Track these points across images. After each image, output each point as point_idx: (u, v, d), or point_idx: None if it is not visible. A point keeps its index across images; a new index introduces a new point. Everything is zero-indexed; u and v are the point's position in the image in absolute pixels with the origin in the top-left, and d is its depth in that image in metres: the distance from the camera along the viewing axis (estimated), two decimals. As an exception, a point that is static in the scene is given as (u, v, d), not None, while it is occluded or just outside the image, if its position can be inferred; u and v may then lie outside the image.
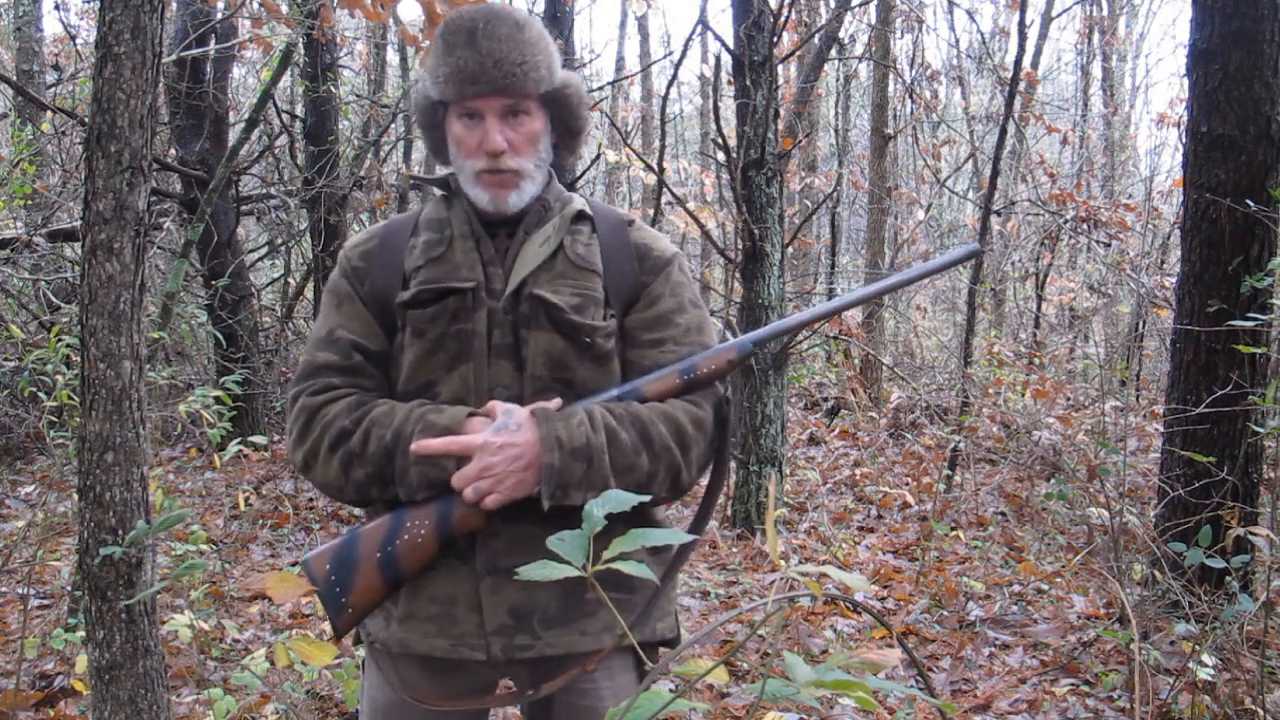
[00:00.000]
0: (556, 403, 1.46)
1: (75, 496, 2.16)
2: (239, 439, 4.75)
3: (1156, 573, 3.46)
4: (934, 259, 1.66)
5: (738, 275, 5.45)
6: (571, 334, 1.48)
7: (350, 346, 1.53)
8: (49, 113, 6.64)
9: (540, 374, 1.48)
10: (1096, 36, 13.07)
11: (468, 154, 1.51)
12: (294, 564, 4.50)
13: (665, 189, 6.16)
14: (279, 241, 8.77)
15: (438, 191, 1.62)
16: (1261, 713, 2.63)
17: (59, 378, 3.59)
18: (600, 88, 9.43)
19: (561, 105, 1.56)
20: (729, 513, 5.30)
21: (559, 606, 1.47)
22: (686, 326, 1.55)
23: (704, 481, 1.59)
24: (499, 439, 1.40)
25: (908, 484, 6.17)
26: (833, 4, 9.83)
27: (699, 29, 6.82)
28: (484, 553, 1.47)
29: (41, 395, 4.35)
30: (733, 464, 5.07)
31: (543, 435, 1.40)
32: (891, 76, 9.80)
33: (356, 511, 4.67)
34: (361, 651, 1.64)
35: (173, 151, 6.86)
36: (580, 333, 1.49)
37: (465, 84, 1.47)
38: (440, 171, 1.64)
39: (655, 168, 6.02)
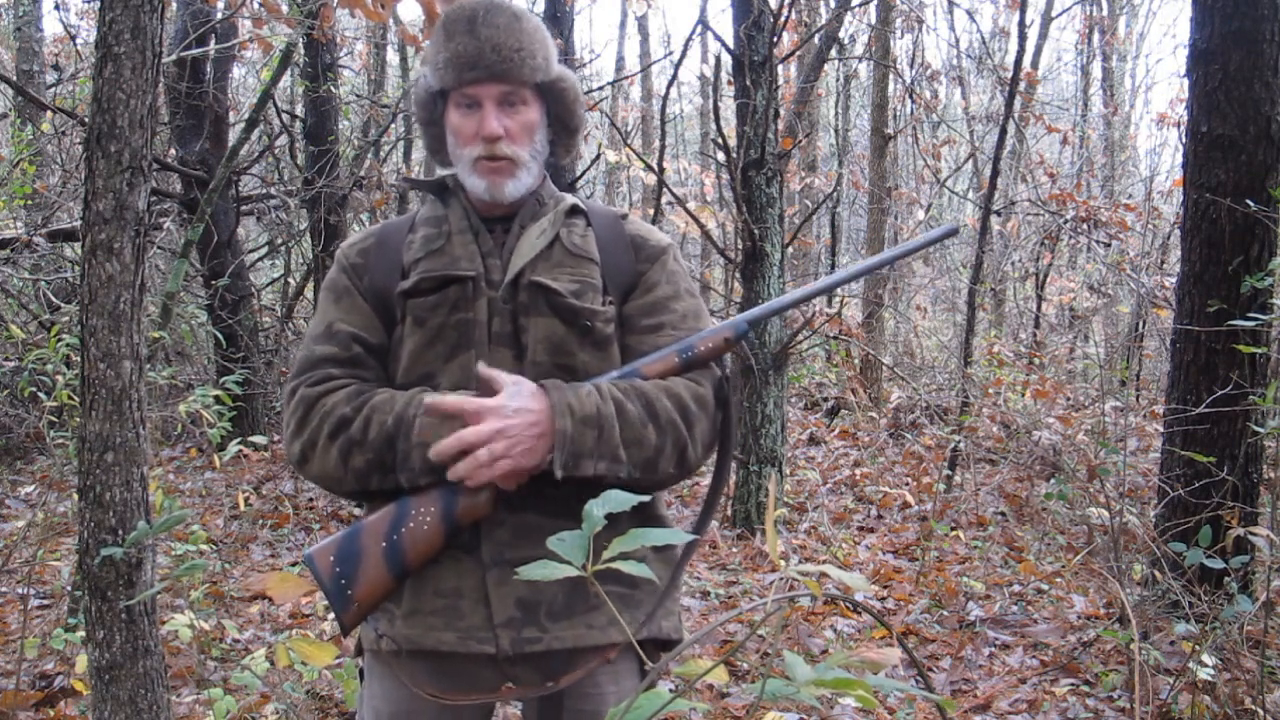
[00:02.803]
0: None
1: (75, 496, 2.16)
2: (239, 439, 4.75)
3: (1156, 573, 3.46)
4: (915, 238, 1.67)
5: (738, 275, 5.45)
6: (571, 319, 1.50)
7: (350, 338, 1.53)
8: (49, 113, 6.64)
9: (541, 360, 1.49)
10: (1096, 36, 13.06)
11: (465, 142, 1.53)
12: (294, 564, 4.50)
13: (665, 189, 6.16)
14: (279, 241, 8.78)
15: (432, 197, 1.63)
16: (1261, 713, 2.63)
17: (59, 378, 3.59)
18: (600, 88, 9.43)
19: (557, 99, 1.58)
20: (729, 513, 5.29)
21: (565, 600, 1.47)
22: (683, 313, 1.57)
23: (704, 481, 1.59)
24: (513, 403, 1.40)
25: (908, 484, 6.17)
26: (833, 4, 9.83)
27: (699, 29, 6.83)
28: (489, 544, 1.46)
29: (41, 395, 4.35)
30: (733, 464, 5.07)
31: (554, 402, 1.40)
32: (891, 76, 9.80)
33: (357, 511, 4.67)
34: (362, 661, 1.60)
35: (173, 151, 6.85)
36: (580, 317, 1.50)
37: (464, 69, 1.50)
38: (439, 173, 1.66)
39: (655, 168, 6.02)
